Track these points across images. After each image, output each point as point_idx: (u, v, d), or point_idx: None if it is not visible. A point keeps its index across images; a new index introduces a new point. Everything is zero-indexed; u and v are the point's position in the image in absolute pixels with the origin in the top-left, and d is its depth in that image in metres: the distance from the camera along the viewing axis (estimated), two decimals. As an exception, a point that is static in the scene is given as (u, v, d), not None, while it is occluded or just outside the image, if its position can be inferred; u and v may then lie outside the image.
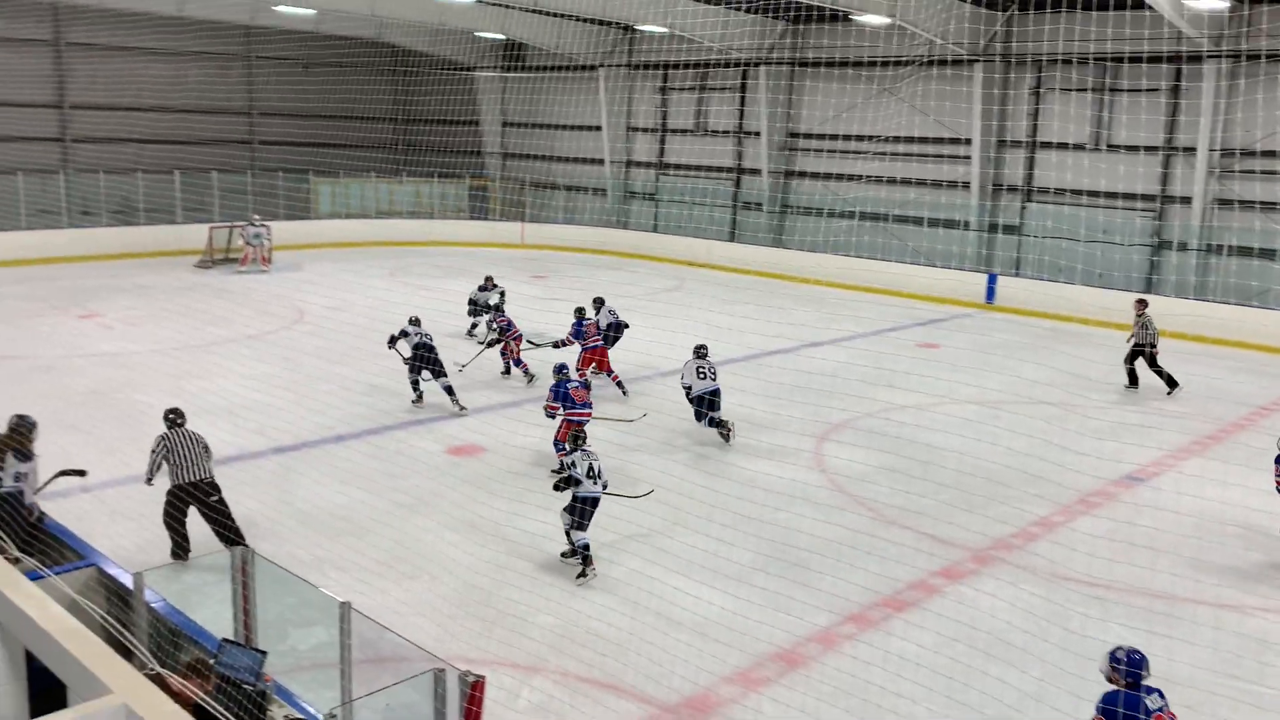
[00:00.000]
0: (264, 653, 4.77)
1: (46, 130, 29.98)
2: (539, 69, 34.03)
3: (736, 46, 27.47)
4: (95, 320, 19.11)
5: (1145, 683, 5.49)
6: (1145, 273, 22.65)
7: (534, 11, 27.14)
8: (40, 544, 7.08)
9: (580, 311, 15.60)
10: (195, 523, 8.96)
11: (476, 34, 31.44)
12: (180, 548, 8.94)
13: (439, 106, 34.51)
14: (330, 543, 9.49)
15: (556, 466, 11.05)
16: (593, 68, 31.89)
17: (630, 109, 32.56)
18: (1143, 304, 16.20)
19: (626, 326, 16.32)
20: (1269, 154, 21.04)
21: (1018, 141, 24.65)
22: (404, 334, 14.12)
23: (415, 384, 14.16)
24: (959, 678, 7.16)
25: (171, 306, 20.62)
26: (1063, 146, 23.44)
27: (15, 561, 6.05)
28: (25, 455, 7.79)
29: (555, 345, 15.62)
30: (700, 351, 13.32)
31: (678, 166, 31.73)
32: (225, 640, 4.93)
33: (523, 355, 15.87)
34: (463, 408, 13.90)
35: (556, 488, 9.28)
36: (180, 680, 4.75)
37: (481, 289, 18.35)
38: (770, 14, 26.74)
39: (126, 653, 4.98)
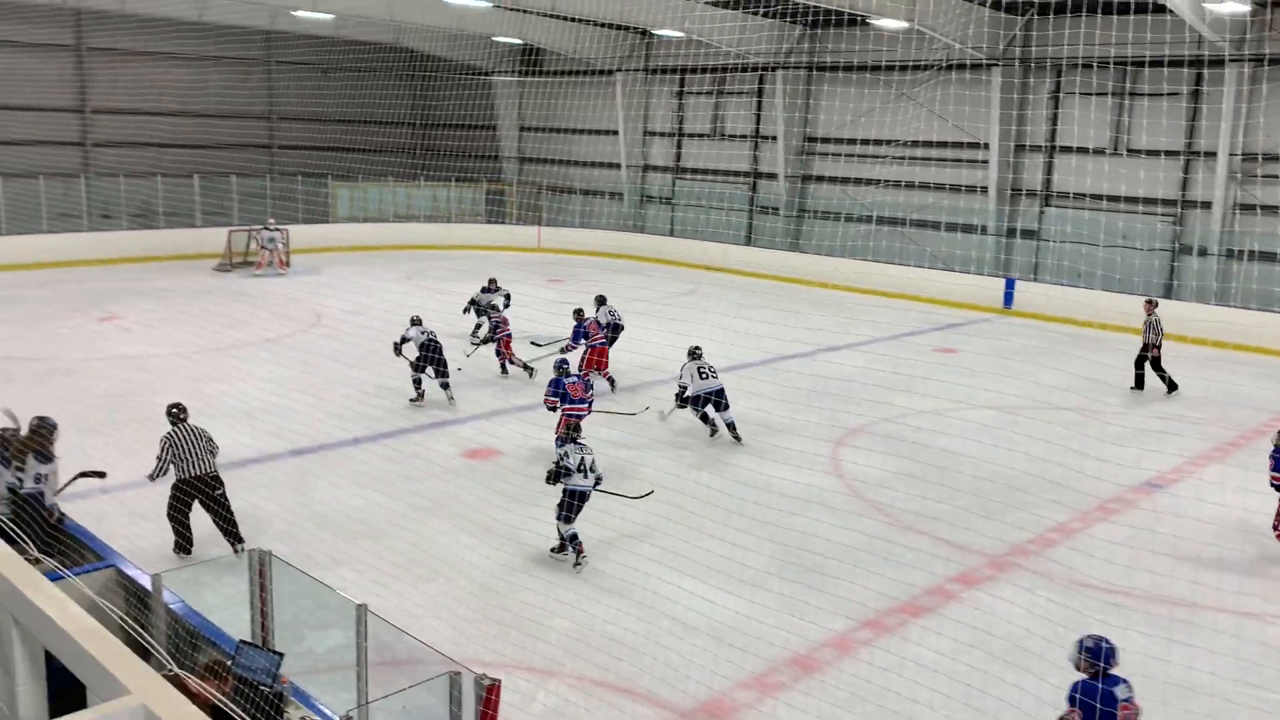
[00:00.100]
0: (281, 654, 4.78)
1: (68, 134, 30.26)
2: (556, 74, 34.10)
3: (754, 51, 27.46)
4: (115, 323, 19.26)
5: (1113, 673, 5.52)
6: (1165, 278, 22.51)
7: (551, 16, 27.21)
8: (60, 545, 7.13)
9: (579, 313, 15.72)
10: (197, 521, 9.02)
11: (494, 39, 31.53)
12: (184, 542, 9.09)
13: (457, 111, 34.64)
14: (347, 545, 9.53)
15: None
16: (610, 72, 31.93)
17: (647, 113, 32.59)
18: (1152, 304, 16.24)
19: (622, 329, 16.48)
20: (1291, 158, 20.88)
21: (1036, 146, 24.54)
22: (405, 339, 14.42)
23: (418, 383, 14.34)
24: (976, 684, 7.12)
25: (190, 310, 20.75)
26: (1082, 151, 23.32)
27: (36, 562, 6.09)
28: (46, 457, 7.84)
29: (562, 351, 15.64)
30: (695, 352, 13.35)
31: (694, 171, 31.73)
32: (242, 642, 4.95)
33: (530, 360, 16.00)
34: (451, 399, 14.42)
35: (548, 480, 9.38)
36: (198, 682, 4.77)
37: (485, 290, 18.45)
38: (787, 18, 26.73)
39: (145, 653, 5.00)
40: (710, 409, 13.11)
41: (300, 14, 27.62)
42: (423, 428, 13.41)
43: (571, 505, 9.20)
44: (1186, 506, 10.78)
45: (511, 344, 16.20)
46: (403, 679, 5.28)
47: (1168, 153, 22.17)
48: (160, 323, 19.39)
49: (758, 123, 29.88)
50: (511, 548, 9.59)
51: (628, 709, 6.98)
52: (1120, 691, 5.42)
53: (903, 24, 22.43)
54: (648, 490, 10.50)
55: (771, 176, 29.50)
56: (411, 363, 14.29)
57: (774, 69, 28.25)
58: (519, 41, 31.51)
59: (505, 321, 16.33)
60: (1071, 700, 5.45)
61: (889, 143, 26.08)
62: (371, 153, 32.19)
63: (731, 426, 13.02)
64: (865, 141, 26.69)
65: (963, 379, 16.08)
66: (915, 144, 25.72)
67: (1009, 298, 23.63)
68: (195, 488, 9.01)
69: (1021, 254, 24.88)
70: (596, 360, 15.50)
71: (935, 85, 25.24)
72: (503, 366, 16.23)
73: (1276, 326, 19.91)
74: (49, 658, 4.95)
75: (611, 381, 15.37)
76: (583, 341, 15.44)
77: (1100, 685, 5.42)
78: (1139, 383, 16.21)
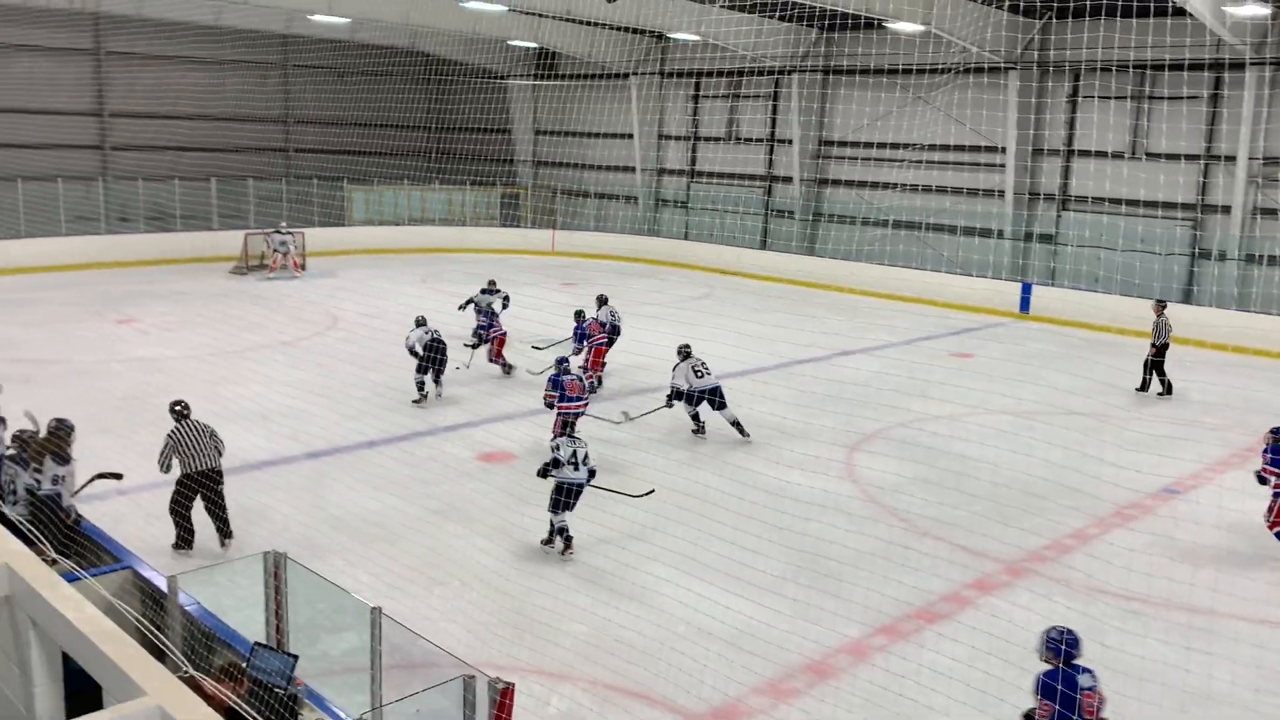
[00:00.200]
0: (295, 657, 4.79)
1: (86, 138, 30.47)
2: (571, 77, 34.15)
3: (769, 54, 27.42)
4: (132, 325, 19.36)
5: (1076, 662, 5.66)
6: (1184, 283, 22.35)
7: (567, 20, 27.25)
8: (77, 546, 7.16)
9: (579, 315, 15.88)
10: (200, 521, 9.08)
11: (509, 42, 31.61)
12: (185, 538, 9.27)
13: (472, 115, 34.68)
14: (362, 548, 9.54)
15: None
16: (625, 76, 31.95)
17: (662, 117, 32.60)
18: (1161, 306, 16.31)
19: (620, 331, 16.63)
20: (1311, 162, 20.72)
21: (1054, 150, 24.43)
22: (410, 341, 14.59)
23: (421, 385, 14.52)
24: (991, 691, 7.06)
25: (207, 312, 20.85)
26: (1100, 155, 23.18)
27: (53, 563, 6.12)
28: (63, 459, 7.88)
29: (575, 353, 15.76)
30: (686, 351, 13.38)
31: (709, 174, 31.71)
32: (257, 644, 4.96)
33: (533, 358, 16.19)
34: (440, 394, 14.82)
35: (540, 474, 9.53)
36: (214, 684, 4.78)
37: (484, 291, 18.55)
38: (803, 22, 26.68)
39: (160, 655, 5.01)
40: (706, 407, 13.19)
41: (316, 18, 27.75)
42: (437, 431, 13.43)
43: (564, 498, 9.38)
44: (1206, 513, 10.70)
45: (504, 344, 16.44)
46: (417, 682, 5.27)
47: (1187, 156, 22.03)
48: (177, 325, 19.49)
49: (773, 126, 29.84)
50: (526, 551, 9.59)
51: (642, 714, 6.96)
52: (1084, 680, 5.57)
53: (919, 27, 22.37)
54: (649, 489, 10.55)
55: (787, 180, 29.45)
56: (420, 360, 14.45)
57: (789, 72, 28.21)
58: (534, 45, 31.58)
59: (496, 323, 16.46)
60: (1038, 691, 5.62)
61: (905, 146, 26.00)
62: (387, 156, 32.31)
63: (736, 424, 13.12)
64: (881, 145, 26.61)
65: (979, 384, 16.01)
66: (932, 148, 25.63)
67: (1026, 302, 23.52)
68: (199, 483, 9.22)
69: (1038, 258, 24.76)
70: (598, 358, 15.76)
71: (952, 89, 25.15)
72: (503, 367, 16.42)
73: (1297, 332, 19.75)
74: (66, 659, 4.97)
75: (599, 381, 15.57)
76: (584, 343, 15.66)
77: (1061, 677, 5.57)
78: (1145, 385, 16.28)
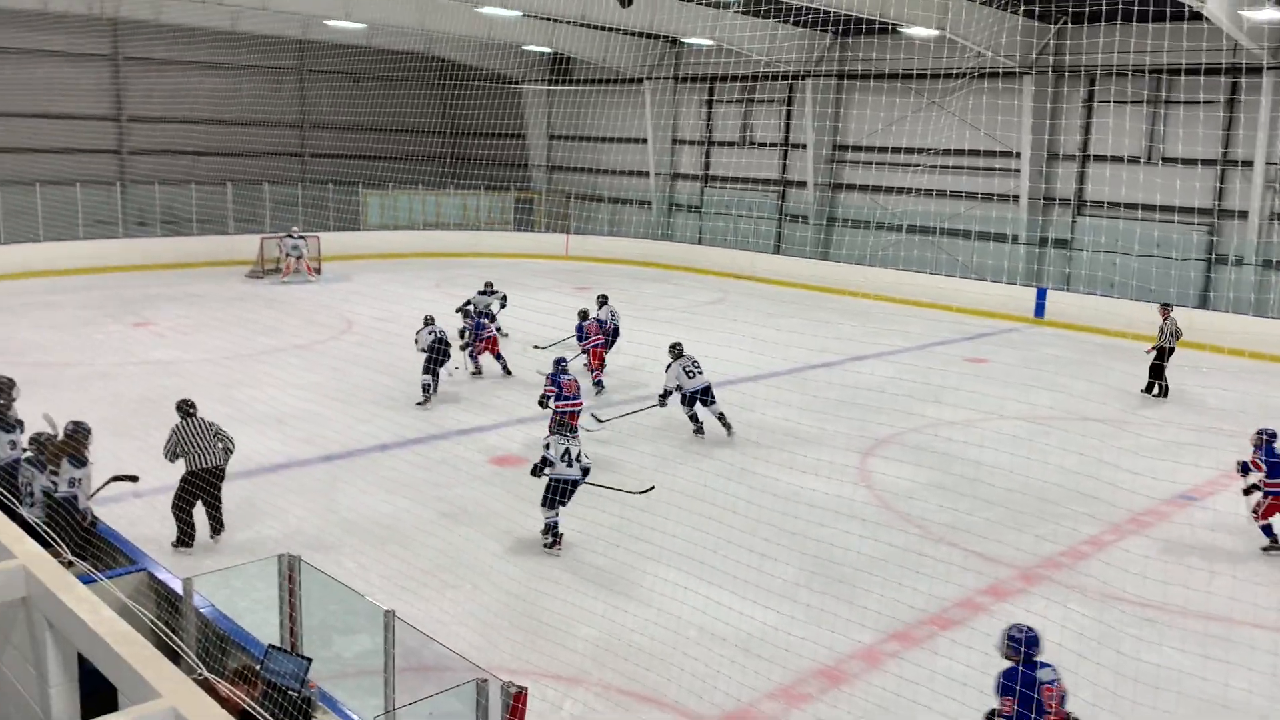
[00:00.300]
0: (309, 659, 4.81)
1: (104, 143, 30.68)
2: (585, 82, 34.21)
3: (783, 59, 27.41)
4: (148, 329, 19.48)
5: (1037, 659, 5.74)
6: (1200, 288, 22.22)
7: (581, 25, 27.30)
8: (93, 548, 7.21)
9: (583, 314, 16.21)
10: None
11: (524, 47, 31.68)
12: (186, 536, 9.44)
13: (486, 119, 34.82)
14: (375, 551, 9.57)
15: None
16: (639, 81, 31.99)
17: (676, 122, 32.62)
18: (1167, 309, 16.50)
19: (618, 331, 16.91)
20: (1329, 167, 20.58)
21: (1069, 155, 24.33)
22: (433, 336, 14.81)
23: (426, 387, 14.69)
24: (1006, 699, 7.02)
25: (223, 316, 20.96)
26: (1115, 159, 23.07)
27: (69, 565, 6.16)
28: (80, 461, 7.93)
29: (584, 352, 16.11)
30: (678, 349, 13.45)
31: (723, 179, 31.70)
32: (271, 646, 4.98)
33: (535, 358, 16.48)
34: (435, 391, 14.91)
35: (533, 472, 9.72)
36: (228, 686, 4.80)
37: (482, 293, 18.70)
38: (817, 26, 26.67)
39: (175, 657, 5.04)
40: (699, 406, 13.32)
41: (333, 23, 27.91)
42: (450, 434, 13.46)
43: (556, 493, 9.61)
44: (1222, 519, 10.63)
45: (496, 345, 16.63)
46: (429, 685, 5.29)
47: (1203, 161, 21.91)
48: (193, 328, 19.59)
49: (787, 131, 29.82)
50: (538, 555, 9.60)
51: (653, 718, 6.96)
52: (1044, 675, 5.66)
53: (933, 32, 22.32)
54: (649, 486, 10.64)
55: (801, 185, 29.42)
56: (423, 364, 14.70)
57: (804, 77, 28.19)
58: (548, 50, 31.64)
59: (482, 325, 16.60)
60: (1000, 689, 5.70)
61: (920, 151, 25.94)
62: (402, 161, 32.42)
63: (721, 418, 13.29)
64: (896, 150, 26.57)
65: (993, 389, 15.95)
66: (946, 153, 25.57)
67: (1040, 308, 23.42)
68: (202, 479, 9.42)
69: (1053, 263, 24.66)
70: (596, 359, 16.04)
71: (966, 93, 25.08)
72: (504, 367, 16.56)
73: (1314, 338, 19.61)
74: (81, 660, 5.00)
75: (598, 385, 15.79)
76: (582, 342, 16.03)
77: (1023, 671, 5.65)
78: (1149, 388, 16.43)
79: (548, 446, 9.73)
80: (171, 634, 5.35)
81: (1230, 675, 7.25)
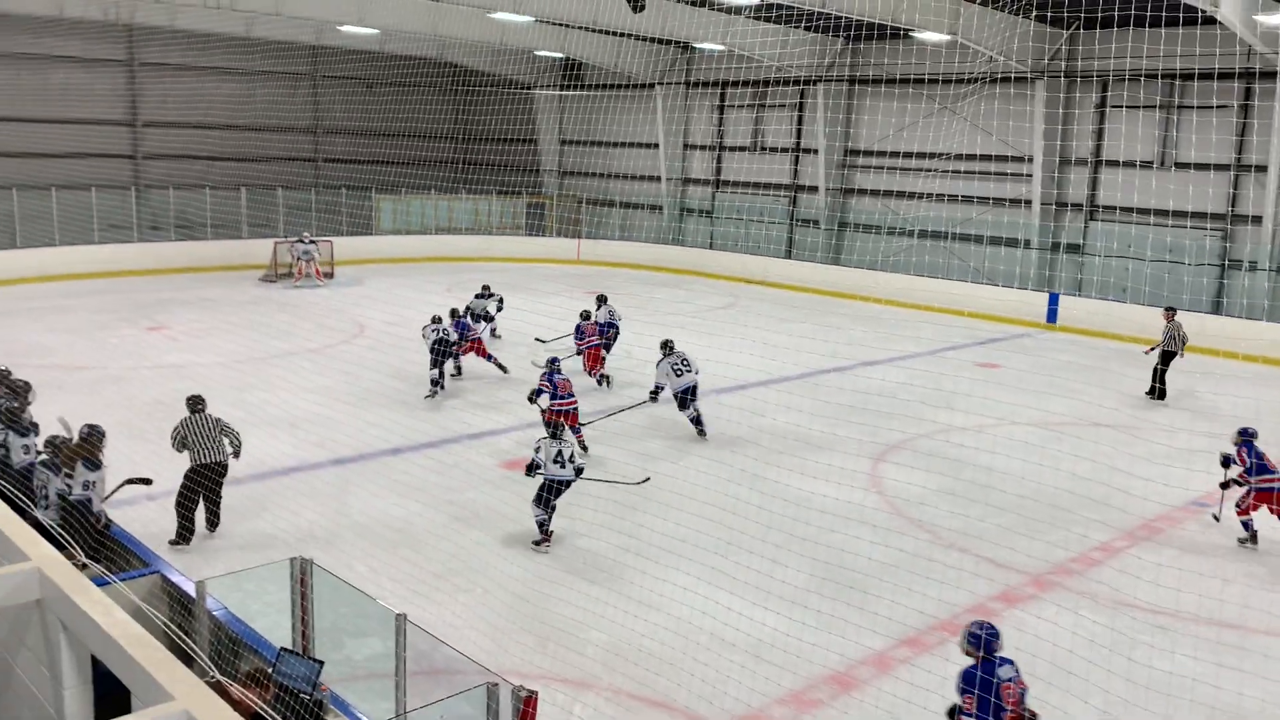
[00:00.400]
0: (321, 662, 4.83)
1: (119, 148, 30.87)
2: (597, 87, 34.28)
3: (794, 64, 27.42)
4: (162, 332, 19.58)
5: (998, 654, 5.80)
6: (1213, 294, 22.12)
7: (593, 30, 27.36)
8: (107, 551, 7.25)
9: (585, 315, 16.55)
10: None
11: (536, 53, 31.77)
12: (184, 533, 9.60)
13: (498, 124, 34.93)
14: (387, 554, 9.60)
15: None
16: (650, 86, 32.04)
17: (687, 127, 32.65)
18: (1171, 312, 16.62)
19: (617, 331, 17.23)
20: (1344, 173, 20.45)
21: (1081, 160, 24.27)
22: (436, 335, 15.30)
23: (434, 381, 15.13)
24: (1018, 706, 7.00)
25: (235, 320, 21.05)
26: (1128, 165, 23.01)
27: (83, 568, 6.19)
28: (94, 464, 7.98)
29: (578, 353, 16.46)
30: (669, 346, 13.53)
31: (734, 184, 31.71)
32: (283, 649, 5.01)
33: (536, 350, 16.87)
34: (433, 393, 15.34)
35: (527, 472, 9.93)
36: (240, 689, 4.83)
37: (479, 296, 18.84)
38: (829, 31, 26.66)
39: (188, 660, 5.06)
40: (683, 404, 13.53)
41: (346, 29, 28.04)
42: (461, 438, 13.49)
43: (547, 493, 9.79)
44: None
45: (483, 347, 16.85)
46: (440, 689, 5.30)
47: (1216, 166, 21.83)
48: (206, 332, 19.68)
49: (798, 136, 29.82)
50: (549, 559, 9.62)
51: (664, 724, 6.95)
52: (1004, 672, 5.71)
53: (945, 37, 22.30)
54: (645, 477, 10.84)
55: (812, 190, 29.40)
56: (432, 353, 15.18)
57: (815, 82, 28.19)
58: (560, 55, 31.71)
59: (469, 327, 16.80)
60: (961, 688, 5.75)
61: (931, 156, 25.91)
62: (414, 166, 32.55)
63: (696, 421, 13.47)
64: (907, 155, 26.53)
65: (1005, 395, 15.89)
66: (958, 157, 25.54)
67: (1052, 313, 23.35)
68: (203, 474, 9.64)
69: (1065, 269, 24.58)
70: (592, 359, 16.36)
71: (978, 98, 25.05)
72: (498, 366, 16.77)
73: (1329, 344, 19.49)
74: (95, 662, 5.03)
75: (603, 380, 16.15)
76: (578, 341, 16.38)
77: (984, 669, 5.70)
78: (1152, 391, 16.44)
79: (538, 449, 9.92)
80: (184, 636, 5.38)
81: (1244, 684, 7.21)
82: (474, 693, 4.80)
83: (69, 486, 7.79)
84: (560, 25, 27.23)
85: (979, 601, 8.91)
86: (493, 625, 8.20)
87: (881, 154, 27.49)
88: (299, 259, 26.29)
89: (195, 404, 9.99)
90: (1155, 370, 16.52)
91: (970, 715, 5.66)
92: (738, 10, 24.50)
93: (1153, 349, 16.78)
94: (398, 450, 12.81)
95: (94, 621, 4.76)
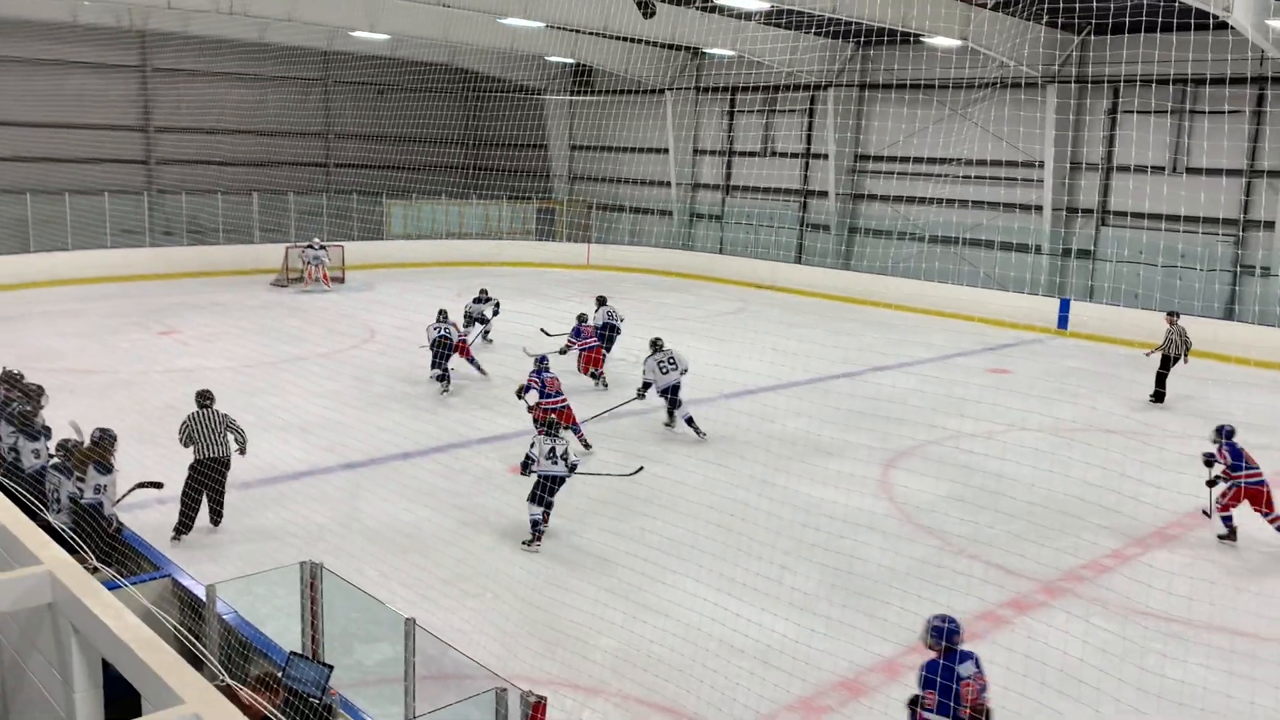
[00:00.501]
0: (330, 667, 4.84)
1: (132, 153, 31.04)
2: (607, 92, 34.32)
3: (805, 69, 27.41)
4: (173, 337, 19.66)
5: (961, 648, 5.86)
6: (1226, 300, 22.01)
7: (603, 35, 27.41)
8: (118, 554, 7.28)
9: (582, 317, 16.78)
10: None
11: (546, 58, 31.84)
12: (184, 524, 9.80)
13: (509, 130, 34.99)
14: (396, 559, 9.61)
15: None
16: (660, 91, 32.07)
17: (697, 132, 32.66)
18: (1174, 316, 16.70)
19: (618, 331, 17.42)
20: (1358, 178, 20.36)
21: (1092, 165, 24.20)
22: (438, 333, 15.83)
23: (438, 377, 15.60)
24: (1026, 714, 6.98)
25: (246, 324, 21.13)
26: (1139, 170, 22.93)
27: (94, 571, 6.22)
28: (106, 468, 8.02)
29: (561, 352, 16.72)
30: (657, 343, 13.67)
31: (744, 189, 31.71)
32: (293, 654, 5.02)
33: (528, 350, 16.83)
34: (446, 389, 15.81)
35: (522, 470, 10.14)
36: (250, 693, 4.84)
37: (476, 300, 18.93)
38: (839, 36, 26.66)
39: (198, 663, 5.08)
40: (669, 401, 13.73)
41: (358, 34, 28.14)
42: (471, 443, 13.51)
43: (542, 489, 9.94)
44: (1247, 534, 10.52)
45: (467, 349, 17.00)
46: (449, 694, 5.30)
47: (1229, 172, 21.72)
48: (217, 337, 19.76)
49: (808, 141, 29.80)
50: (557, 564, 9.62)
51: (673, 730, 6.94)
52: (965, 669, 5.76)
53: (956, 42, 22.27)
54: (638, 467, 10.99)
55: (822, 195, 29.38)
56: (433, 352, 15.70)
57: (825, 87, 28.18)
58: (571, 61, 31.77)
59: (456, 330, 16.88)
60: (922, 681, 5.81)
61: (942, 161, 25.86)
62: (425, 171, 32.61)
63: (671, 415, 13.72)
64: (918, 160, 26.49)
65: (1016, 401, 15.86)
66: (969, 163, 25.46)
67: (1063, 319, 23.27)
68: (206, 468, 9.82)
69: (1077, 274, 24.51)
70: (591, 360, 16.52)
71: (989, 103, 25.00)
72: (478, 369, 16.93)
73: (1343, 351, 19.38)
74: (106, 665, 5.05)
75: (603, 382, 16.32)
76: (577, 340, 16.59)
77: (943, 663, 5.76)
78: (1157, 395, 16.49)
79: (532, 445, 10.10)
80: (194, 640, 5.40)
81: (1256, 693, 7.17)
82: (483, 698, 4.80)
83: (80, 490, 7.83)
84: (571, 31, 27.27)
85: (989, 608, 8.89)
86: (502, 630, 8.21)
87: (892, 159, 27.46)
88: (308, 264, 26.41)
89: (203, 399, 10.19)
90: (1157, 374, 16.56)
91: (931, 711, 5.72)
92: (748, 15, 24.52)
93: (1153, 352, 16.81)
94: (408, 455, 12.84)
95: (105, 625, 4.78)
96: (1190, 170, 22.27)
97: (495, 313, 19.03)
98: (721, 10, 23.99)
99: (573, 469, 10.14)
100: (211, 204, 29.36)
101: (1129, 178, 23.21)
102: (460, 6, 22.75)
